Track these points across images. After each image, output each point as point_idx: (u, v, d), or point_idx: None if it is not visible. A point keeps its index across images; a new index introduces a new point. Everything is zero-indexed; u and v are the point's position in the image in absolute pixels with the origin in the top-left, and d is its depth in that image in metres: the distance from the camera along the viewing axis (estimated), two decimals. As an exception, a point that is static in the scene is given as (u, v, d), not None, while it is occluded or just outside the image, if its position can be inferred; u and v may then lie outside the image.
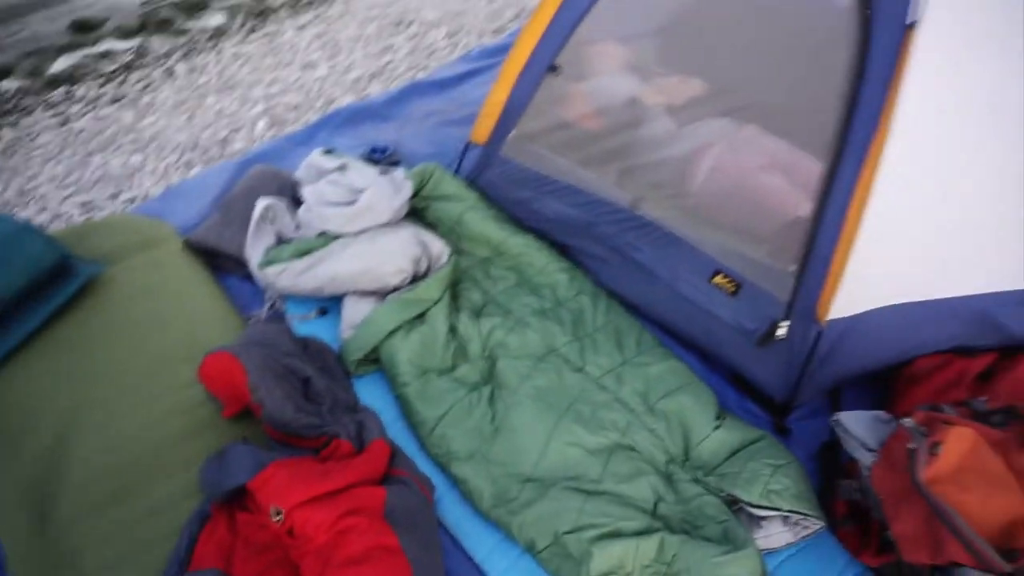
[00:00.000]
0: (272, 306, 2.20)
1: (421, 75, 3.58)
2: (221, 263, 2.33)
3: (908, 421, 1.55)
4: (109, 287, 2.15)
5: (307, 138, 2.95)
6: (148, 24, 4.58)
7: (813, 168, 1.86)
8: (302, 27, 4.56)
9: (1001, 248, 1.85)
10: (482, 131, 2.33)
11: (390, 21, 4.41)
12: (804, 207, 1.88)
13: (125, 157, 3.18)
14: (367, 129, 3.00)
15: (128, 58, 4.15)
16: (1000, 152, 1.74)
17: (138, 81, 3.90)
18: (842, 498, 1.68)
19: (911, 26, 1.58)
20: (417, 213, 2.39)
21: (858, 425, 1.66)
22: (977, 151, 1.74)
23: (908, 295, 1.83)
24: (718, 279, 1.96)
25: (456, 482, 1.75)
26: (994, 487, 1.48)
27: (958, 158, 1.74)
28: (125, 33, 4.46)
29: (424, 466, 1.78)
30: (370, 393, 1.99)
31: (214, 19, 4.82)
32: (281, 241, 2.28)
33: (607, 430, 1.78)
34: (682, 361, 2.01)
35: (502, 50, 3.57)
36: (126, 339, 2.03)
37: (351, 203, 2.20)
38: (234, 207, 2.36)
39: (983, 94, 1.68)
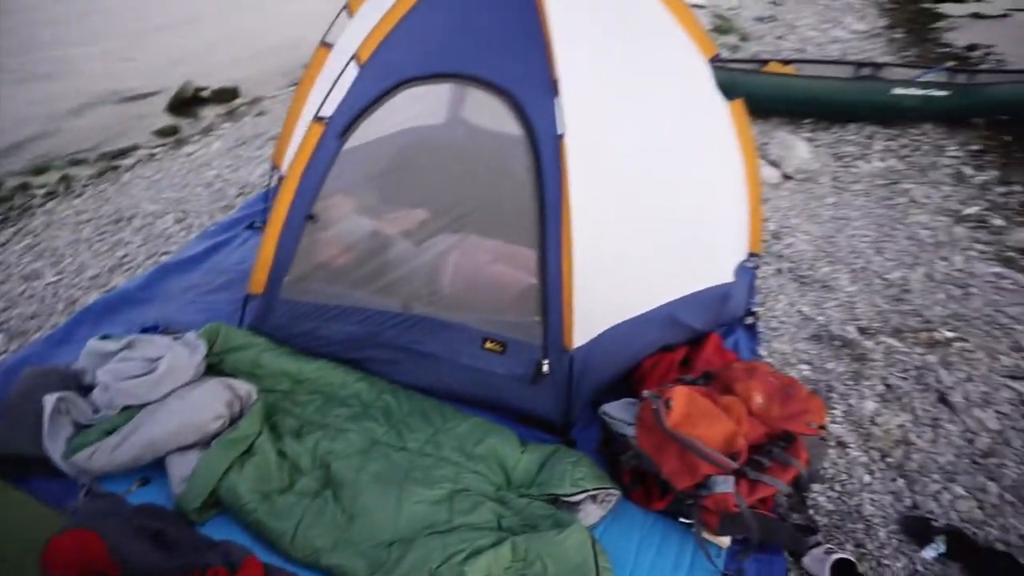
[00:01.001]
0: (88, 491, 2.20)
1: (165, 258, 3.74)
2: (13, 471, 2.26)
3: (647, 392, 2.17)
4: None
5: (66, 336, 2.95)
6: None
7: (529, 254, 2.49)
8: (3, 244, 4.41)
9: (670, 267, 2.65)
10: (258, 282, 2.63)
11: (108, 220, 4.48)
12: (531, 279, 2.50)
13: None
14: (128, 315, 3.09)
15: None
16: (647, 203, 2.54)
17: None
18: (625, 469, 2.23)
19: (560, 137, 2.31)
20: (213, 369, 2.57)
21: (618, 411, 2.25)
22: (632, 209, 2.52)
23: (621, 316, 2.53)
24: (488, 345, 2.48)
25: (330, 571, 1.94)
26: (711, 419, 2.14)
27: (623, 217, 2.49)
28: None
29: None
30: (217, 535, 2.09)
31: None
32: (80, 428, 2.30)
33: (441, 483, 2.14)
34: (480, 417, 2.45)
35: (239, 221, 3.94)
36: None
37: (150, 372, 2.34)
38: (16, 411, 2.33)
39: (619, 170, 2.47)
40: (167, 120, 7.50)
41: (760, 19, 11.25)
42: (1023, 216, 4.84)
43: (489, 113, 3.16)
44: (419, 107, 3.69)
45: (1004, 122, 6.80)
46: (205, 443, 2.26)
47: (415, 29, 2.46)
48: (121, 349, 2.46)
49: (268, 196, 3.93)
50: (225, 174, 5.15)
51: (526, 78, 2.35)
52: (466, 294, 2.75)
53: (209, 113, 7.84)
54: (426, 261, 2.84)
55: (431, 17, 2.47)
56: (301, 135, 2.79)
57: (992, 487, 2.47)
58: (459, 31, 2.47)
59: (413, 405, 2.50)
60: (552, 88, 2.30)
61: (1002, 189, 5.26)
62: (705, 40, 2.72)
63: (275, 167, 3.74)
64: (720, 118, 2.81)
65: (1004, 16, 13.18)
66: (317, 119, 2.49)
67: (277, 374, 2.58)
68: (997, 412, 2.84)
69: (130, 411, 2.30)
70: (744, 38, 9.73)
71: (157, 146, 6.50)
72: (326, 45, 3.39)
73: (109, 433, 2.24)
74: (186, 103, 8.15)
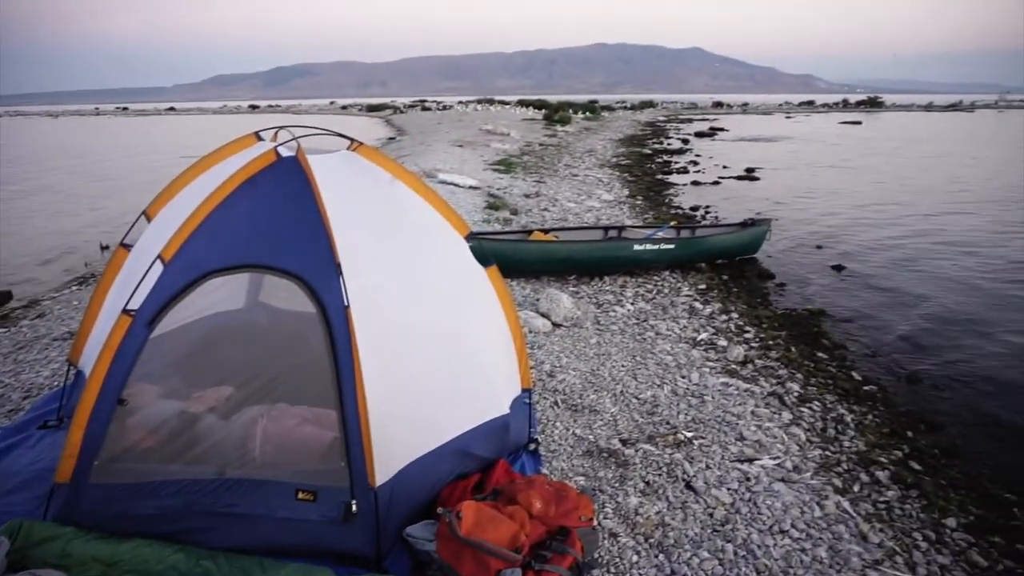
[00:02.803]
0: None
1: (-55, 470, 3.54)
2: None
3: (441, 509, 2.56)
4: None
5: None
6: None
7: (331, 414, 2.86)
8: None
9: (453, 407, 3.13)
10: (66, 470, 2.70)
11: None
12: (335, 434, 2.86)
13: None
14: (-94, 533, 2.92)
15: None
16: (425, 356, 3.06)
17: None
18: (432, 583, 2.55)
19: (347, 308, 2.79)
20: (16, 567, 2.54)
21: (420, 531, 2.61)
22: (414, 362, 3.01)
23: (417, 452, 2.93)
24: (301, 496, 2.75)
25: None
26: (497, 523, 2.57)
27: (406, 370, 2.98)
28: None
29: None
30: None
31: None
32: None
33: (266, 626, 2.32)
34: (299, 563, 2.66)
35: (30, 423, 3.87)
36: None
37: (-53, 577, 2.31)
38: None
39: (399, 330, 2.98)
40: (-73, 332, 6.96)
41: (527, 195, 13.00)
42: (740, 336, 6.05)
43: (284, 295, 3.61)
44: (220, 295, 4.02)
45: (721, 265, 8.46)
46: (13, 639, 2.25)
47: (214, 229, 2.89)
48: (-90, 561, 2.39)
49: (63, 394, 3.93)
50: (6, 379, 4.96)
51: (314, 263, 2.83)
52: (276, 454, 3.01)
53: (-22, 320, 7.41)
54: (235, 431, 3.08)
55: (228, 217, 2.92)
56: (104, 329, 3.03)
57: (728, 547, 3.09)
58: (254, 228, 2.93)
59: (232, 565, 2.64)
60: (336, 269, 2.80)
61: (724, 317, 6.54)
62: (458, 221, 3.43)
63: (71, 363, 3.80)
64: (480, 281, 3.48)
65: (716, 183, 16.40)
66: (126, 312, 2.75)
67: (88, 561, 2.61)
68: (729, 489, 3.55)
69: (-77, 622, 2.24)
70: (515, 212, 11.18)
71: (-84, 361, 6.02)
72: (125, 246, 3.69)
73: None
74: (-51, 313, 7.63)
